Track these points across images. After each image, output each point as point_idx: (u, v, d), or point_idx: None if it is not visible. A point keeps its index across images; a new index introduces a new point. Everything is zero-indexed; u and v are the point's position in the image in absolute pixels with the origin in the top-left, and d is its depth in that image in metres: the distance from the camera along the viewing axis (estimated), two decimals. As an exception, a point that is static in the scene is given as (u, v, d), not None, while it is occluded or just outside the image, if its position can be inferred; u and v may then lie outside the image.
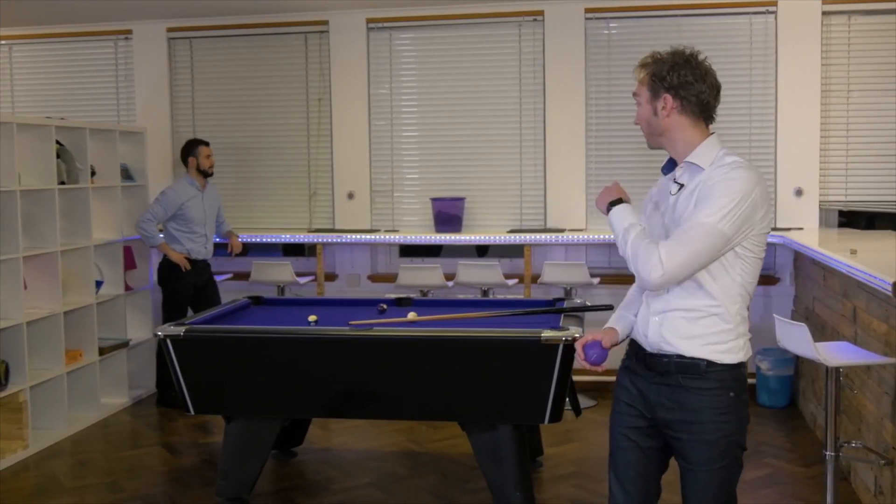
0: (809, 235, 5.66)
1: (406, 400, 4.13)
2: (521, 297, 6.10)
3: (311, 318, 4.47)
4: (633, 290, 2.76)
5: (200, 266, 6.22)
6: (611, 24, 6.43)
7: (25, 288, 5.29)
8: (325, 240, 6.54)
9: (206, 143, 6.27)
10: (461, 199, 6.47)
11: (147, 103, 7.13)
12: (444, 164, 6.68)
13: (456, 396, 4.03)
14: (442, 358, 4.00)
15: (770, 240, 5.73)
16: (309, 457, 5.12)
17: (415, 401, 4.13)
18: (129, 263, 6.41)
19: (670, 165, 2.63)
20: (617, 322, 2.72)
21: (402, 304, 5.05)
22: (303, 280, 6.48)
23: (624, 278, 6.37)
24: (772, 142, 6.26)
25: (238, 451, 4.30)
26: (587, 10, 6.36)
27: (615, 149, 6.45)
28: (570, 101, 6.42)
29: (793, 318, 5.82)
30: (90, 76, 7.32)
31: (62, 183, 5.63)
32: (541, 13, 6.44)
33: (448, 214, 6.40)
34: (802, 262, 5.90)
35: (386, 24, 6.72)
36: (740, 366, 2.53)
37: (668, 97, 2.52)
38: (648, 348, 2.57)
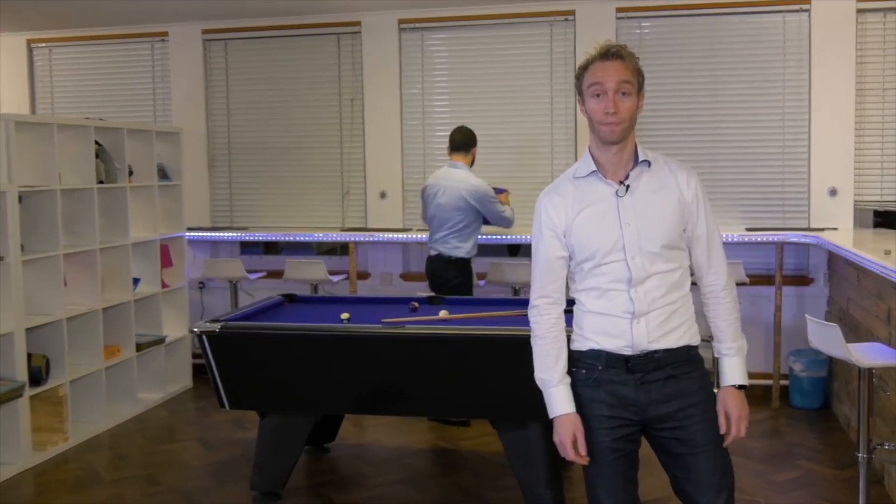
0: (844, 236, 5.62)
1: (437, 397, 4.18)
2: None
3: (344, 315, 4.52)
4: (550, 338, 2.60)
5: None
6: (643, 24, 6.43)
7: (66, 285, 5.40)
8: (357, 238, 6.60)
9: None
10: (503, 190, 6.49)
11: (183, 104, 7.24)
12: (475, 164, 6.71)
13: (487, 394, 4.06)
14: (473, 355, 4.04)
15: (804, 240, 5.81)
16: (341, 453, 5.18)
17: (446, 398, 4.17)
18: (166, 261, 6.52)
19: (594, 170, 2.55)
20: (570, 403, 2.56)
21: (433, 302, 5.09)
22: (336, 278, 6.55)
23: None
24: (805, 141, 6.23)
25: (272, 446, 4.37)
26: (618, 10, 6.37)
27: (645, 146, 6.44)
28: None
29: (826, 320, 5.80)
30: (128, 77, 7.45)
31: (101, 182, 5.74)
32: (572, 13, 6.46)
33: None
34: (836, 262, 5.87)
35: (418, 25, 6.77)
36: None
37: (643, 96, 2.58)
38: (630, 352, 2.52)
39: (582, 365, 2.58)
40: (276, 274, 6.83)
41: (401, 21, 6.76)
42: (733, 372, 2.61)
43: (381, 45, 6.82)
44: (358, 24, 6.84)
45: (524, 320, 4.48)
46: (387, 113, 6.85)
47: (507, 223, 5.77)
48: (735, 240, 6.04)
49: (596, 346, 2.56)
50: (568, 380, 2.59)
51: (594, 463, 2.57)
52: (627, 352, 2.52)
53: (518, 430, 4.09)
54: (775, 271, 5.98)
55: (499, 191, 5.87)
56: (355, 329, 4.24)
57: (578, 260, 2.56)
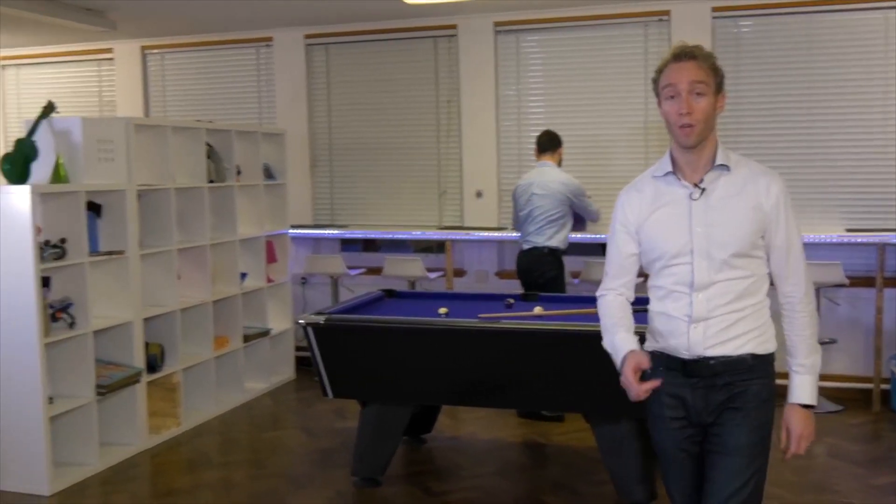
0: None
1: (532, 390, 4.29)
2: (645, 294, 6.14)
3: (442, 310, 4.69)
4: (615, 308, 2.70)
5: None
6: (739, 23, 6.41)
7: (179, 278, 5.70)
8: (454, 237, 6.76)
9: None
10: (586, 198, 6.58)
11: (286, 106, 7.52)
12: (569, 164, 6.76)
13: (580, 389, 4.16)
14: (567, 350, 4.14)
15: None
16: (438, 444, 5.34)
17: (540, 391, 4.28)
18: (271, 257, 6.80)
19: (670, 171, 2.55)
20: (634, 341, 2.60)
21: (528, 298, 5.21)
22: (433, 275, 6.72)
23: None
24: (911, 137, 6.11)
25: (372, 435, 4.57)
26: (714, 9, 6.36)
27: (743, 147, 6.41)
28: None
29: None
30: (234, 81, 7.76)
31: (211, 181, 6.03)
32: (667, 13, 6.48)
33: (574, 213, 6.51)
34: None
35: (513, 28, 6.89)
36: (775, 353, 2.58)
37: (723, 96, 2.52)
38: (687, 355, 2.50)
39: (654, 366, 2.58)
40: (374, 270, 7.04)
41: (496, 24, 6.89)
42: (801, 390, 2.54)
43: (478, 48, 6.96)
44: (454, 27, 7.00)
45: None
46: (483, 114, 6.99)
47: (594, 217, 6.00)
48: (834, 241, 5.97)
49: (658, 348, 2.59)
50: (633, 332, 2.62)
51: (665, 462, 2.63)
52: (684, 355, 2.51)
53: (611, 424, 4.18)
54: (876, 273, 5.89)
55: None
56: (453, 323, 4.39)
57: (649, 259, 2.59)
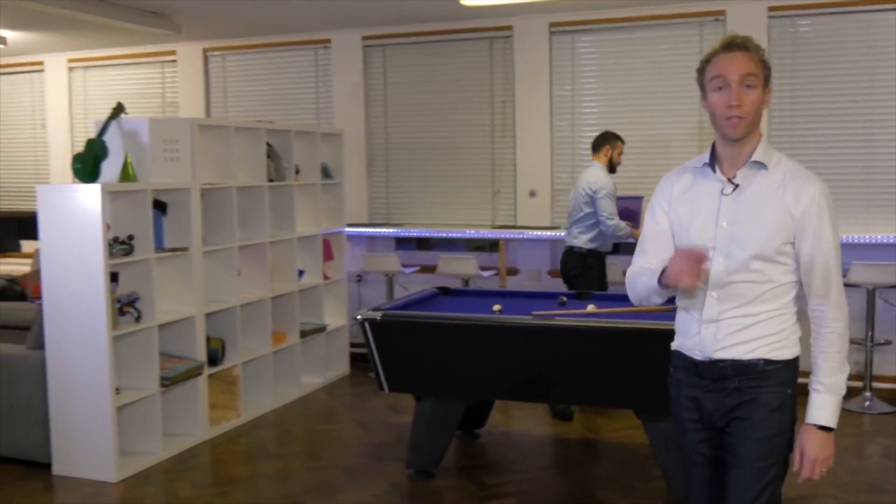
0: None
1: (584, 386, 4.35)
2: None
3: (496, 307, 4.77)
4: (641, 271, 2.54)
5: (602, 258, 6.07)
6: (796, 22, 6.37)
7: (239, 275, 5.86)
8: (507, 236, 6.84)
9: (623, 141, 6.10)
10: (639, 198, 6.58)
11: (344, 106, 7.66)
12: (623, 163, 6.80)
13: (632, 385, 4.21)
14: (620, 347, 4.20)
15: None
16: (490, 439, 5.42)
17: (592, 387, 4.34)
18: (327, 255, 6.94)
19: (712, 162, 2.50)
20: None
21: (581, 297, 5.26)
22: (486, 274, 6.80)
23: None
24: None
25: (427, 428, 4.67)
26: (771, 9, 6.34)
27: (800, 148, 6.39)
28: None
29: None
30: (293, 82, 7.93)
31: (271, 180, 6.19)
32: (723, 13, 6.47)
33: (629, 211, 6.52)
34: None
35: (568, 28, 6.93)
36: (797, 360, 2.46)
37: (770, 91, 2.43)
38: (699, 356, 2.47)
39: (672, 364, 2.61)
40: (428, 269, 7.14)
41: (551, 25, 6.94)
42: (818, 410, 2.39)
43: (533, 49, 7.02)
44: (510, 28, 7.07)
45: (670, 315, 4.60)
46: (537, 114, 7.05)
47: (607, 228, 5.84)
48: (891, 241, 5.93)
49: (676, 346, 2.58)
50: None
51: (687, 462, 2.60)
52: (697, 356, 2.47)
53: (662, 420, 4.21)
54: (934, 274, 5.83)
55: (628, 213, 5.99)
56: (507, 320, 4.47)
57: (678, 248, 2.51)
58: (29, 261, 8.54)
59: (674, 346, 2.60)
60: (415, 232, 7.31)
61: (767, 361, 2.41)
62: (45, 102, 8.80)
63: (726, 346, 2.42)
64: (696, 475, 2.59)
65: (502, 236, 6.85)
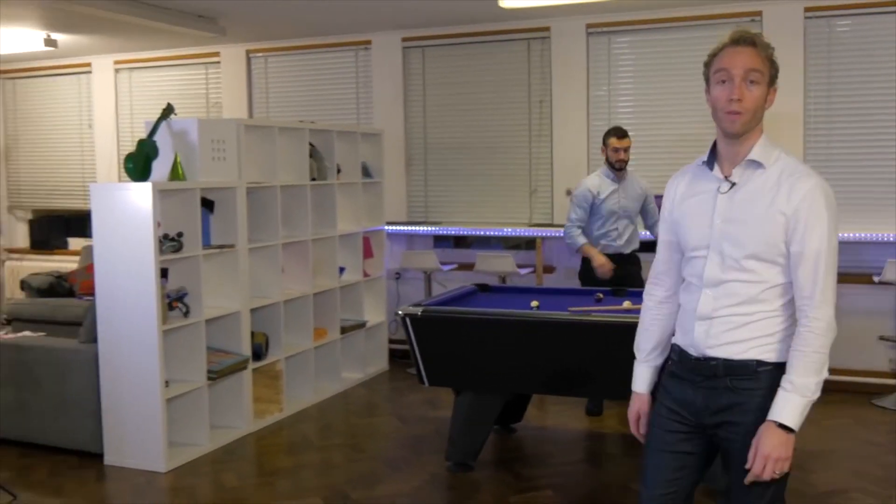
0: None
1: (620, 381, 4.41)
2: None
3: (534, 303, 4.88)
4: (647, 320, 2.68)
5: (617, 260, 5.86)
6: (832, 23, 6.39)
7: (283, 272, 6.01)
8: (544, 234, 6.93)
9: (621, 135, 5.81)
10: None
11: (383, 107, 7.79)
12: (659, 163, 6.87)
13: (668, 380, 4.28)
14: (655, 344, 4.27)
15: None
16: (527, 433, 5.53)
17: (628, 382, 4.41)
18: (367, 252, 7.07)
19: (712, 160, 2.49)
20: (644, 383, 2.67)
21: (617, 294, 5.35)
22: (523, 271, 6.89)
23: (840, 276, 6.34)
24: None
25: (465, 421, 4.78)
26: (807, 9, 6.37)
27: (834, 148, 6.42)
28: (788, 100, 6.43)
29: None
30: (333, 83, 8.07)
31: (313, 179, 6.33)
32: (759, 14, 6.51)
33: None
34: None
35: (605, 29, 7.01)
36: None
37: (775, 90, 2.42)
38: (693, 353, 2.46)
39: (671, 355, 2.62)
40: (465, 266, 7.25)
41: (589, 26, 7.02)
42: (781, 408, 2.29)
43: (570, 49, 7.10)
44: (547, 29, 7.16)
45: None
46: (574, 114, 7.13)
47: (566, 228, 5.96)
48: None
49: (675, 340, 2.58)
50: (654, 361, 2.66)
51: (647, 448, 2.59)
52: (692, 352, 2.47)
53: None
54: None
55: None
56: (545, 316, 4.57)
57: (681, 246, 2.55)
58: (76, 258, 8.79)
59: (674, 339, 2.61)
60: (453, 230, 7.43)
61: (760, 363, 2.38)
62: (92, 103, 9.03)
63: (719, 343, 2.40)
64: (652, 462, 2.56)
65: (539, 234, 6.94)
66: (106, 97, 8.95)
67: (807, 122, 6.44)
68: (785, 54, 6.39)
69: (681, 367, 2.52)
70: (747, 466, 2.32)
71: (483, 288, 5.66)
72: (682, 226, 2.52)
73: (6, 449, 5.32)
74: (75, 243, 9.31)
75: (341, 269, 6.71)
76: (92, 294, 7.77)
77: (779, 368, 2.36)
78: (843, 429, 5.50)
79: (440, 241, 7.79)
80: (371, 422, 5.90)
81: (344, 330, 6.66)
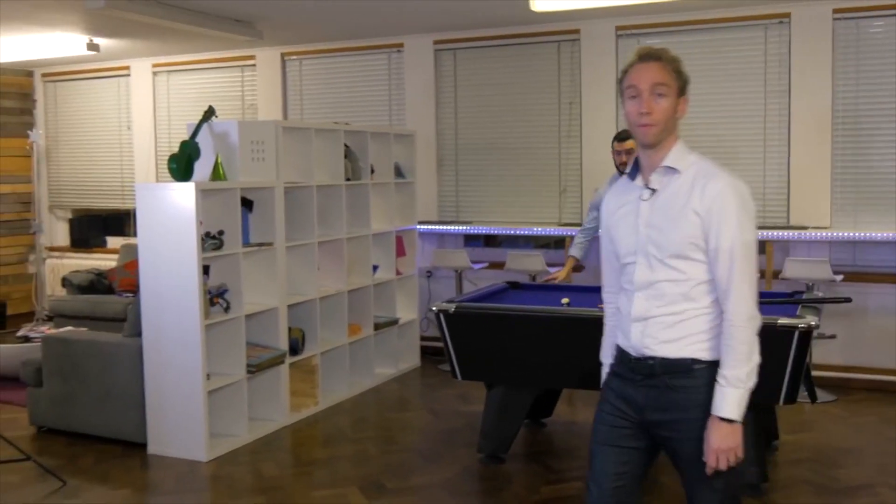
0: None
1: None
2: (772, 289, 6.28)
3: (564, 300, 5.00)
4: (605, 332, 2.82)
5: None
6: (860, 24, 6.45)
7: (318, 269, 6.17)
8: (573, 233, 7.00)
9: (621, 138, 5.36)
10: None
11: (416, 108, 7.94)
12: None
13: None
14: (683, 340, 4.37)
15: None
16: (557, 428, 5.65)
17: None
18: (400, 251, 7.22)
19: (635, 170, 2.61)
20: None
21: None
22: (552, 270, 6.99)
23: (868, 276, 6.41)
24: None
25: (497, 415, 4.92)
26: (835, 11, 6.43)
27: (862, 148, 6.48)
28: (815, 101, 6.51)
29: None
30: (366, 85, 8.23)
31: (348, 179, 6.49)
32: (787, 15, 6.58)
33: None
34: None
35: (634, 32, 7.10)
36: None
37: (685, 100, 2.54)
38: (633, 353, 2.56)
39: (614, 354, 2.71)
40: (496, 265, 7.38)
41: (618, 28, 7.12)
42: (720, 402, 2.41)
43: (599, 52, 7.21)
44: (577, 31, 7.27)
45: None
46: (603, 115, 7.23)
47: None
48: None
49: (618, 342, 2.67)
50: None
51: (592, 443, 2.68)
52: (631, 352, 2.58)
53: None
54: None
55: None
56: (575, 312, 4.69)
57: (616, 255, 2.66)
58: (114, 256, 9.03)
59: (616, 341, 2.70)
60: (483, 229, 7.57)
61: (696, 360, 2.48)
62: (131, 105, 9.27)
63: (655, 343, 2.51)
64: (597, 459, 2.66)
65: (568, 234, 7.05)
66: (144, 99, 9.17)
67: (835, 122, 6.50)
68: (813, 55, 6.48)
69: (622, 367, 2.63)
70: (704, 460, 2.43)
71: (514, 285, 5.78)
72: (615, 236, 2.64)
73: (54, 438, 5.53)
74: (113, 242, 9.55)
75: (375, 268, 6.86)
76: (131, 291, 8.03)
77: (715, 366, 2.46)
78: (869, 426, 5.57)
79: (470, 240, 7.92)
80: (404, 416, 6.05)
81: (377, 326, 6.81)
